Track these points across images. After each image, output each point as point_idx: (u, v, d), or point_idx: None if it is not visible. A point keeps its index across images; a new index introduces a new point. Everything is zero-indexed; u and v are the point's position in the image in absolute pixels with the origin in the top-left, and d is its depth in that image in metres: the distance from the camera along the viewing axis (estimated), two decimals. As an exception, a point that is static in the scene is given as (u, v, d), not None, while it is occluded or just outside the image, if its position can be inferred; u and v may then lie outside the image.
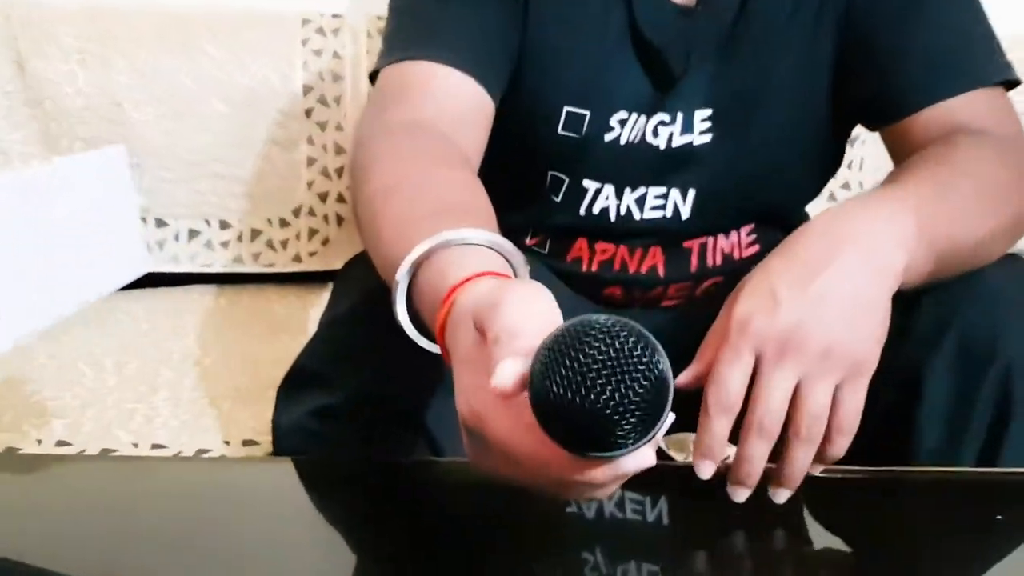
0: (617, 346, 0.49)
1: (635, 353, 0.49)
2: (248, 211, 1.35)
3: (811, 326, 0.69)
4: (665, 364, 0.49)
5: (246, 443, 0.99)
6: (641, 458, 0.52)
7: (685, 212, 0.95)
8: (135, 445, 0.97)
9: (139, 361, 1.16)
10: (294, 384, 0.86)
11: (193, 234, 1.35)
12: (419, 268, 0.65)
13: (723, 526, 0.69)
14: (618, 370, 0.48)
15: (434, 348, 0.63)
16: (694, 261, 0.99)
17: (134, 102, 1.31)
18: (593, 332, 0.49)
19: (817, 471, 0.71)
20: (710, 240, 0.99)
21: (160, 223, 1.34)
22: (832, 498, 0.73)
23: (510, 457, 0.54)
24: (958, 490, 0.76)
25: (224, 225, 1.35)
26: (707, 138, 0.93)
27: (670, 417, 0.50)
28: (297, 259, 1.36)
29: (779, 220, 0.99)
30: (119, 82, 1.31)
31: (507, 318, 0.54)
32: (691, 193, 0.95)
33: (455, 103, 0.85)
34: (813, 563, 0.67)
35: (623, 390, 0.48)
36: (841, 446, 0.70)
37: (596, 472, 0.52)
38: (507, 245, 0.64)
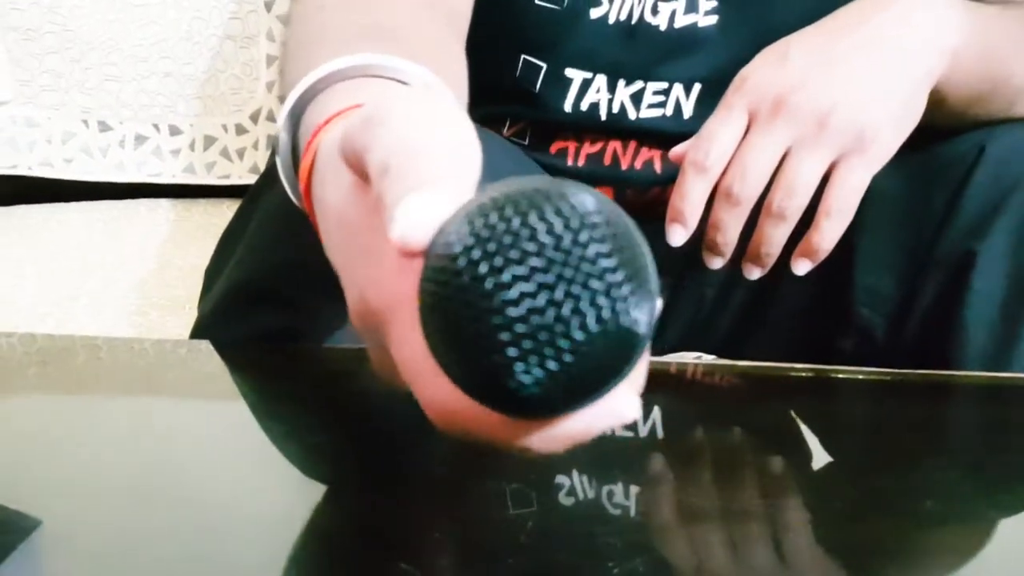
0: (552, 236, 0.32)
1: (579, 240, 0.33)
2: (200, 115, 1.22)
3: (814, 87, 0.63)
4: (633, 236, 0.34)
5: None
6: (621, 407, 0.35)
7: (688, 110, 0.84)
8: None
9: (64, 271, 1.04)
10: (216, 261, 0.74)
11: (140, 140, 1.22)
12: (304, 113, 0.49)
13: (731, 434, 0.58)
14: (559, 278, 0.32)
15: None
16: None
17: (73, -13, 1.18)
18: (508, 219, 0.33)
19: (800, 268, 0.67)
20: None
21: (104, 127, 1.21)
22: (862, 406, 0.62)
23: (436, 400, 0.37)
24: (1011, 399, 0.64)
25: (174, 131, 1.22)
26: (712, 20, 0.81)
27: (657, 306, 0.34)
28: (255, 170, 1.23)
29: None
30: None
31: (396, 132, 0.37)
32: (695, 88, 0.83)
33: None
34: (839, 479, 0.55)
35: (569, 310, 0.32)
36: (827, 233, 0.64)
37: (549, 433, 0.36)
38: (433, 81, 0.47)
